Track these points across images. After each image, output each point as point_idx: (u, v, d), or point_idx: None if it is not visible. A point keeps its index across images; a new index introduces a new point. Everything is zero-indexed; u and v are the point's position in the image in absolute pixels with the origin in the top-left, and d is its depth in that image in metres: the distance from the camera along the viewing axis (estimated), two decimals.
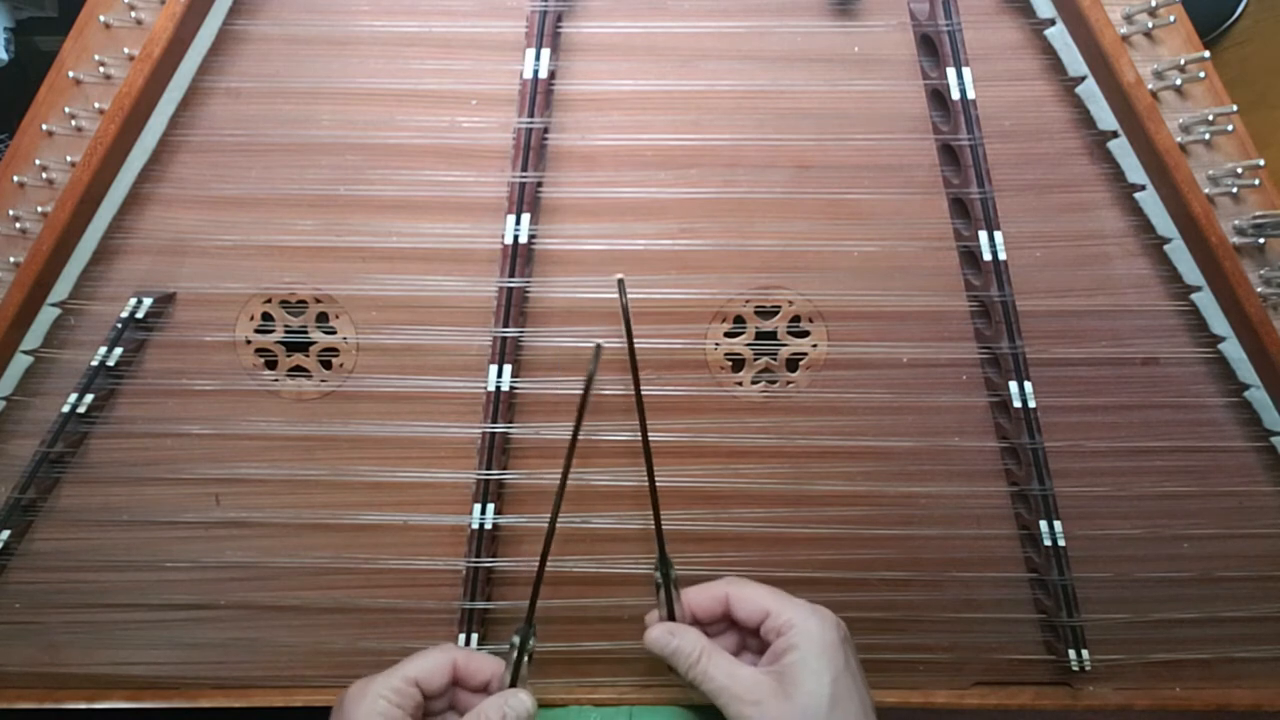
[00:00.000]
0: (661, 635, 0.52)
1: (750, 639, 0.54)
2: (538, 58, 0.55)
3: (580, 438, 0.58)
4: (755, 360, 0.60)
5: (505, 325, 0.58)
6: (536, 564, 0.54)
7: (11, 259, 0.56)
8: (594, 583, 0.61)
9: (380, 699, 0.50)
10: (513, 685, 0.53)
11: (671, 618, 0.54)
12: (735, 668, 0.51)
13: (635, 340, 0.55)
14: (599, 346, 0.52)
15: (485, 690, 0.54)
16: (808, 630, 0.50)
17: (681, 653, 0.51)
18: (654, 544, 0.60)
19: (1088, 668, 0.62)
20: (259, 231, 0.58)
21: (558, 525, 0.54)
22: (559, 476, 0.53)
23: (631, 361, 0.53)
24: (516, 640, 0.53)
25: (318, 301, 0.59)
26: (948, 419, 0.60)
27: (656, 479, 0.55)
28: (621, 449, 0.60)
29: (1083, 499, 0.60)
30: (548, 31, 0.55)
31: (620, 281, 0.51)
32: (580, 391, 0.52)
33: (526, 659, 0.53)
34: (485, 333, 0.59)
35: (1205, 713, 0.64)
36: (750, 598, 0.52)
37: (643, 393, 0.55)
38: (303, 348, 0.59)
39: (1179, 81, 0.55)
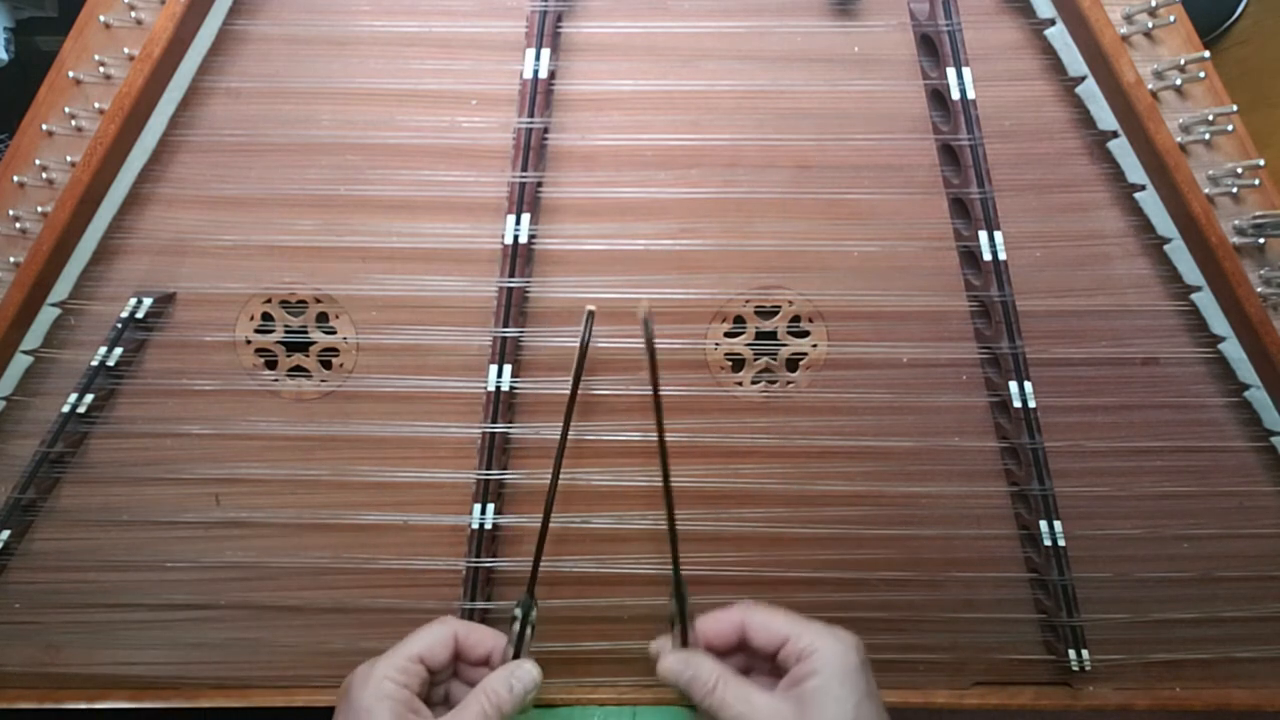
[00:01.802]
0: (676, 664, 0.51)
1: (761, 662, 0.53)
2: (538, 58, 0.55)
3: (580, 439, 0.58)
4: (755, 360, 0.60)
5: (505, 325, 0.58)
6: (540, 530, 0.53)
7: (11, 259, 0.56)
8: (594, 583, 0.61)
9: (386, 680, 0.49)
10: (516, 658, 0.53)
11: (685, 645, 0.53)
12: (752, 695, 0.49)
13: (634, 340, 0.55)
14: (590, 312, 0.51)
15: (486, 663, 0.53)
16: (829, 655, 0.49)
17: (698, 681, 0.50)
18: (657, 543, 0.61)
19: (1088, 668, 0.62)
20: (259, 231, 0.58)
21: (558, 525, 0.54)
22: (560, 431, 0.51)
23: (656, 406, 0.51)
24: (519, 612, 0.53)
25: (318, 301, 0.59)
26: (948, 419, 0.60)
27: (657, 479, 0.54)
28: (622, 449, 0.60)
29: (1083, 499, 0.60)
30: (548, 31, 0.55)
31: (646, 321, 0.49)
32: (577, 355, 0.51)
33: (529, 630, 0.53)
34: (485, 333, 0.59)
35: (1205, 713, 0.64)
36: (766, 623, 0.51)
37: (642, 393, 0.55)
38: (303, 348, 0.59)
39: (1179, 81, 0.55)
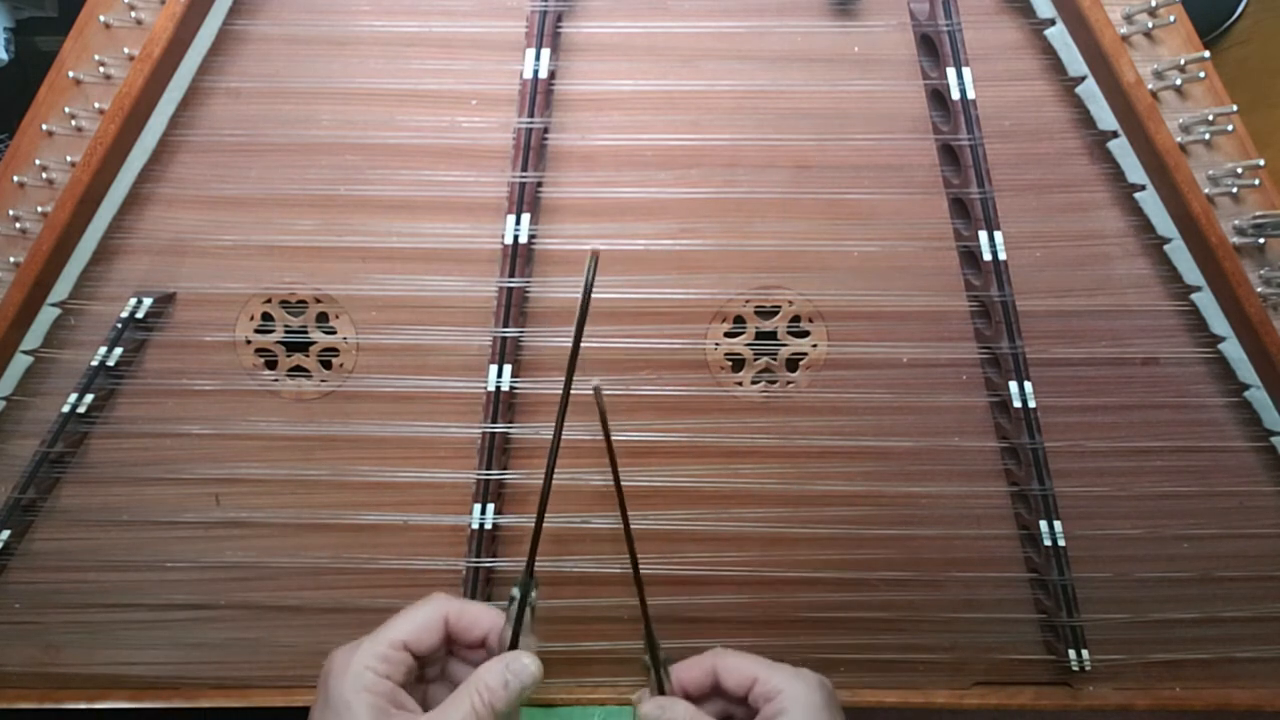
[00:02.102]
0: (653, 710, 0.51)
1: (737, 708, 0.54)
2: (538, 58, 0.55)
3: (580, 439, 0.58)
4: (755, 360, 0.60)
5: (505, 325, 0.58)
6: (539, 502, 0.53)
7: (11, 259, 0.56)
8: (594, 583, 0.61)
9: (366, 670, 0.45)
10: (514, 646, 0.48)
11: (662, 692, 0.54)
12: None
13: (633, 340, 0.55)
14: (595, 253, 0.46)
15: (483, 646, 0.49)
16: (795, 694, 0.50)
17: None
18: (657, 543, 0.60)
19: (1088, 668, 0.62)
20: (259, 231, 0.58)
21: (558, 526, 0.53)
22: (563, 382, 0.48)
23: (612, 463, 0.50)
24: (516, 592, 0.47)
25: (318, 301, 0.59)
26: (948, 419, 0.60)
27: (658, 479, 0.54)
28: (622, 449, 0.59)
29: (1083, 499, 0.60)
30: (548, 31, 0.55)
31: (597, 389, 0.47)
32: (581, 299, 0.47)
33: (529, 612, 0.48)
34: (485, 333, 0.59)
35: (1205, 713, 0.64)
36: (736, 667, 0.52)
37: (643, 393, 0.55)
38: (303, 348, 0.59)
39: (1179, 81, 0.55)
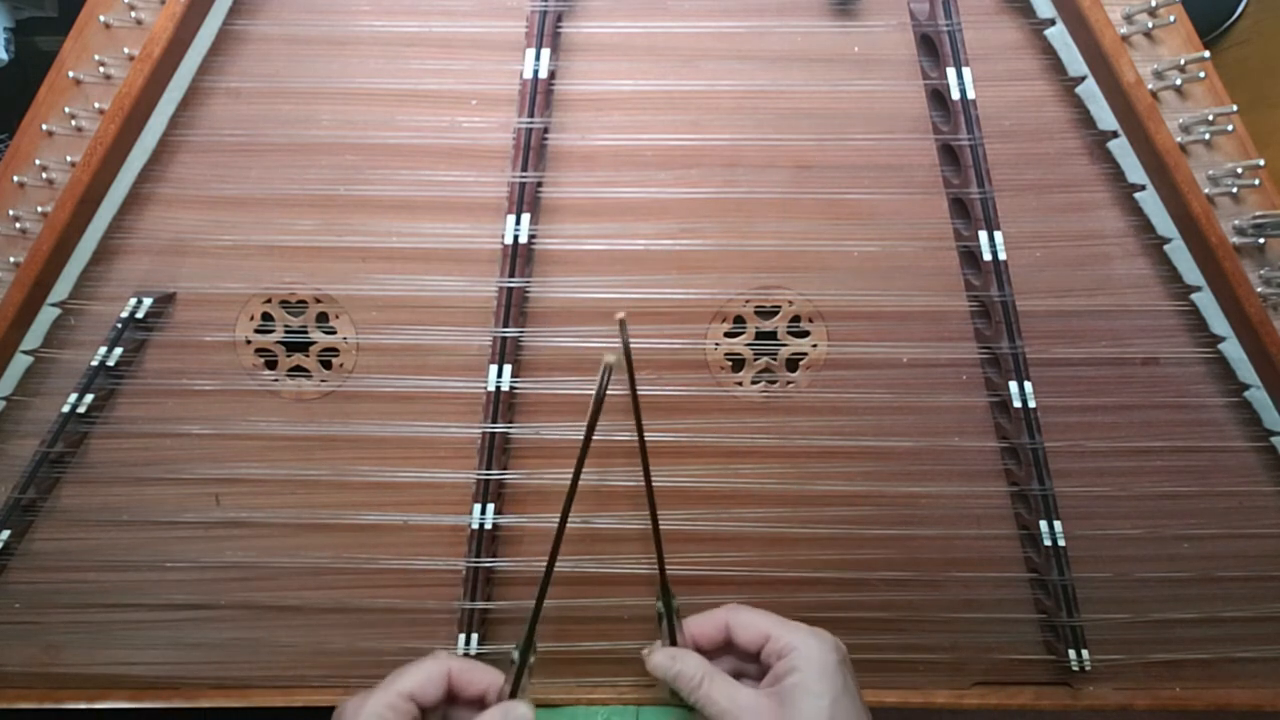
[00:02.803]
0: (664, 660, 0.53)
1: (749, 665, 0.55)
2: (538, 58, 0.55)
3: (579, 440, 0.58)
4: (755, 360, 0.60)
5: (505, 325, 0.58)
6: (537, 564, 0.54)
7: (11, 259, 0.56)
8: (594, 583, 0.61)
9: (376, 717, 0.49)
10: (512, 696, 0.53)
11: (674, 644, 0.54)
12: (736, 691, 0.51)
13: (634, 340, 0.55)
14: (608, 366, 0.47)
15: (481, 702, 0.53)
16: (808, 653, 0.50)
17: (684, 676, 0.52)
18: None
19: (1088, 668, 0.62)
20: (259, 231, 0.58)
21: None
22: (565, 495, 0.50)
23: (634, 401, 0.51)
24: (516, 655, 0.52)
25: (318, 301, 0.59)
26: (948, 419, 0.60)
27: (658, 479, 0.54)
28: (622, 449, 0.60)
29: (1083, 499, 0.60)
30: (548, 31, 0.55)
31: (622, 322, 0.48)
32: (583, 439, 0.49)
33: (527, 673, 0.53)
34: (485, 333, 0.59)
35: (1205, 713, 0.64)
36: (750, 623, 0.53)
37: (643, 393, 0.55)
38: (303, 348, 0.59)
39: (1179, 81, 0.55)
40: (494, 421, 0.59)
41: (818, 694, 0.49)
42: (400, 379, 0.59)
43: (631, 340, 0.58)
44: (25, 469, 0.59)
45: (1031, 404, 0.58)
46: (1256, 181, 0.55)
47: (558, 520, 0.51)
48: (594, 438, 0.59)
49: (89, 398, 0.57)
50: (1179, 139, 0.55)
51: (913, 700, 0.63)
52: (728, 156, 0.58)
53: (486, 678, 0.53)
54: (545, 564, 0.51)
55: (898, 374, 0.60)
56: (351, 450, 0.60)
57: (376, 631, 0.62)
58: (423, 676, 0.51)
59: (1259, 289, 0.56)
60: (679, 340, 0.59)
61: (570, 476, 0.51)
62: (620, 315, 0.48)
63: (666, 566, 0.54)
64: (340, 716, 0.51)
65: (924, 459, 0.60)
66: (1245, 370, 0.58)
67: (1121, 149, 0.56)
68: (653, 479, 0.52)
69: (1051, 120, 0.57)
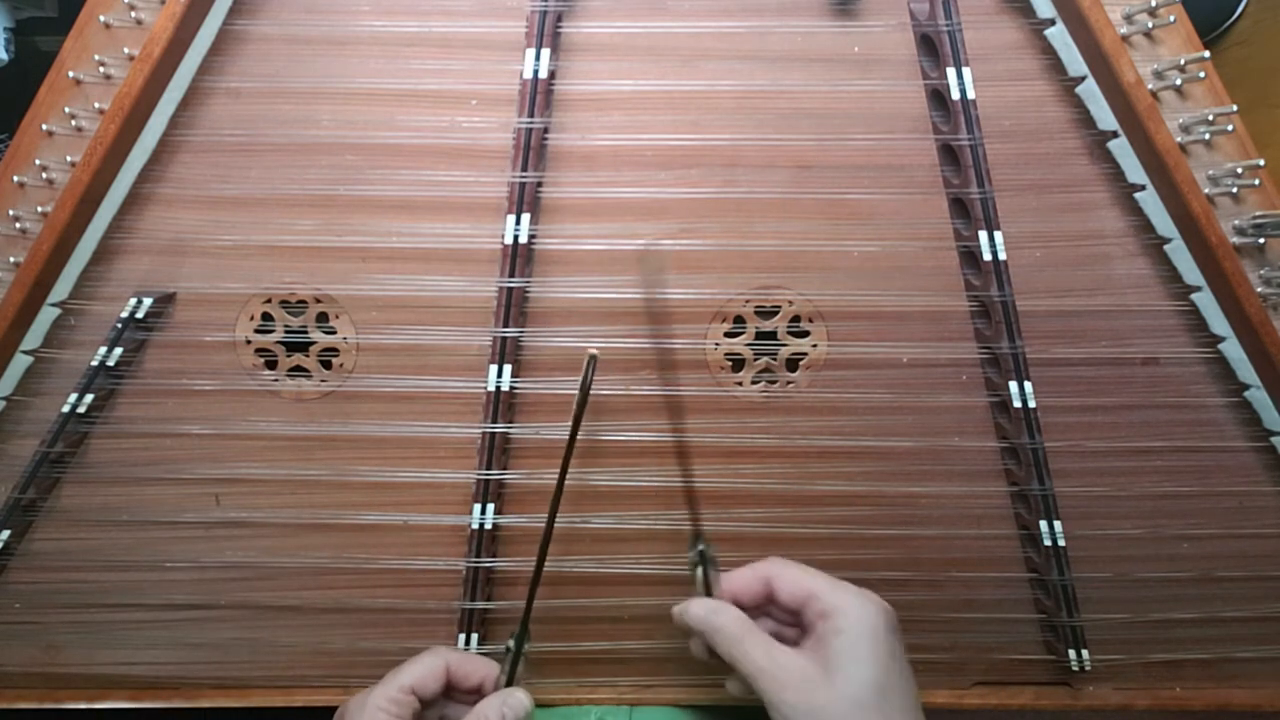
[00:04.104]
0: (703, 612, 0.50)
1: (788, 628, 0.52)
2: (538, 58, 0.55)
3: (580, 440, 0.58)
4: (755, 360, 0.60)
5: (505, 325, 0.58)
6: (535, 565, 0.54)
7: (11, 259, 0.56)
8: (594, 583, 0.61)
9: (380, 711, 0.50)
10: (509, 685, 0.54)
11: (709, 595, 0.52)
12: (775, 649, 0.48)
13: (634, 340, 0.55)
14: (593, 356, 0.51)
15: (478, 693, 0.54)
16: (856, 615, 0.47)
17: (723, 631, 0.49)
18: (657, 543, 0.60)
19: (1088, 668, 0.62)
20: (259, 231, 0.58)
21: (558, 525, 0.53)
22: (553, 493, 0.51)
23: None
24: (511, 644, 0.54)
25: (318, 301, 0.59)
26: (948, 419, 0.60)
27: (658, 479, 0.54)
28: (622, 449, 0.60)
29: (1083, 499, 0.60)
30: (548, 31, 0.55)
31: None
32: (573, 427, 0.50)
33: (522, 662, 0.54)
34: (485, 333, 0.59)
35: (1205, 713, 0.64)
36: (795, 578, 0.50)
37: (643, 393, 0.55)
38: (303, 348, 0.59)
39: (1179, 81, 0.55)
40: (494, 421, 0.59)
41: (865, 659, 0.46)
42: (400, 379, 0.59)
43: (632, 341, 0.58)
44: (25, 469, 0.59)
45: (1031, 404, 0.58)
46: (1256, 181, 0.55)
47: (548, 517, 0.51)
48: (592, 439, 0.59)
49: (89, 398, 0.57)
50: (1179, 139, 0.55)
51: None
52: (728, 156, 0.58)
53: (483, 669, 0.54)
54: (537, 553, 0.51)
55: (898, 374, 0.60)
56: (351, 450, 0.60)
57: (376, 631, 0.62)
58: (423, 670, 0.52)
59: (1259, 289, 0.56)
60: (679, 340, 0.59)
61: (570, 475, 0.51)
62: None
63: (701, 522, 0.52)
64: (344, 712, 0.52)
65: (924, 459, 0.60)
66: (1245, 370, 0.58)
67: (1121, 149, 0.56)
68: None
69: (1051, 120, 0.57)
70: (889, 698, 0.45)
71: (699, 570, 0.52)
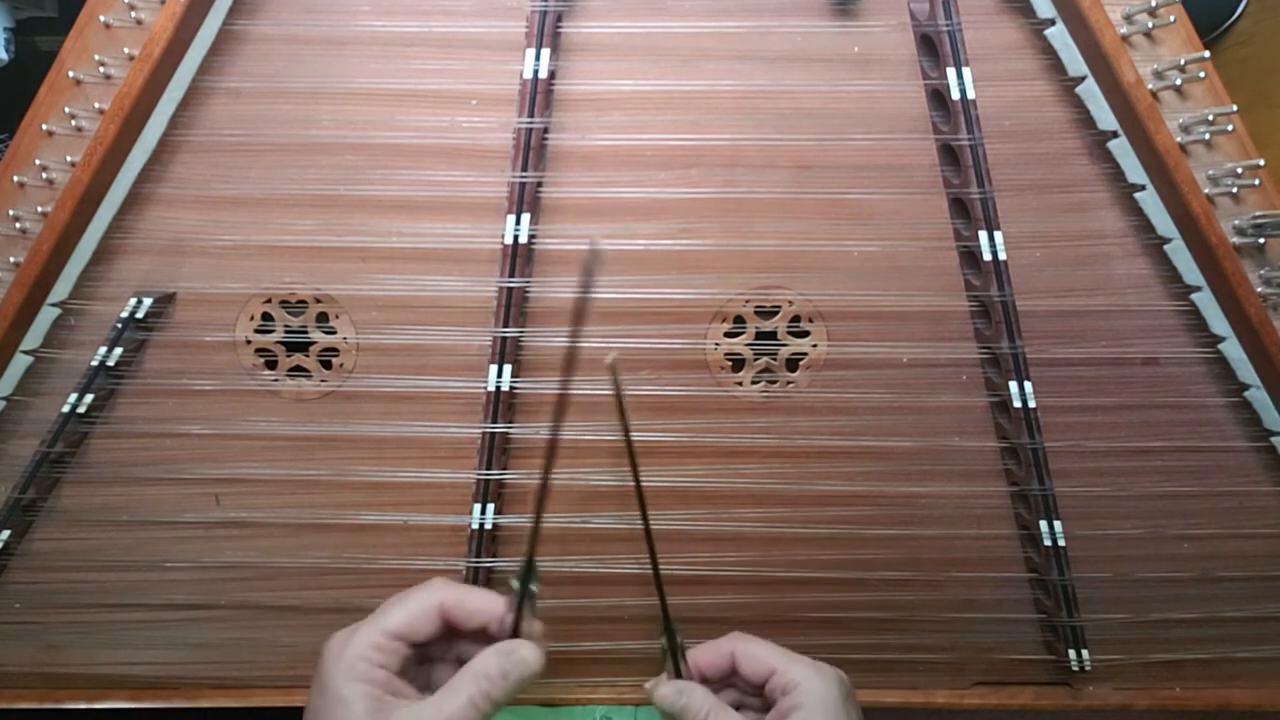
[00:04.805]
0: (670, 693, 0.51)
1: (752, 698, 0.54)
2: (538, 58, 0.55)
3: (580, 439, 0.58)
4: (755, 360, 0.60)
5: (505, 325, 0.58)
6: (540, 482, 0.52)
7: (11, 259, 0.56)
8: (594, 583, 0.61)
9: (360, 661, 0.45)
10: (514, 635, 0.47)
11: (679, 676, 0.54)
12: None
13: (634, 340, 0.55)
14: (613, 364, 0.45)
15: (485, 635, 0.48)
16: (812, 689, 0.50)
17: (690, 710, 0.51)
18: (657, 543, 0.60)
19: (1088, 668, 0.62)
20: (259, 231, 0.58)
21: (559, 526, 0.53)
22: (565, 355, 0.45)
23: (630, 454, 0.48)
24: (516, 584, 0.47)
25: (318, 301, 0.59)
26: (948, 419, 0.60)
27: (658, 479, 0.54)
28: (622, 449, 0.60)
29: (1083, 499, 0.60)
30: (548, 31, 0.55)
31: (613, 366, 0.44)
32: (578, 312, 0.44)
33: (529, 604, 0.47)
34: (485, 333, 0.59)
35: (1205, 713, 0.64)
36: (756, 655, 0.52)
37: (643, 393, 0.55)
38: (303, 348, 0.59)
39: (1179, 81, 0.55)
40: (494, 421, 0.59)
41: None
42: (400, 379, 0.59)
43: (632, 341, 0.58)
44: (25, 469, 0.59)
45: (1031, 404, 0.58)
46: (1256, 181, 0.55)
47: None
48: (592, 438, 0.59)
49: (89, 398, 0.57)
50: (1179, 139, 0.55)
51: (913, 700, 0.63)
52: (728, 156, 0.58)
53: (485, 607, 0.47)
54: (542, 467, 0.47)
55: (898, 374, 0.60)
56: (351, 450, 0.60)
57: None
58: (411, 613, 0.47)
59: (1259, 289, 0.56)
60: (679, 340, 0.59)
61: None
62: (610, 358, 0.45)
63: (668, 605, 0.52)
64: (325, 654, 0.46)
65: (924, 459, 0.60)
66: (1245, 370, 0.58)
67: (1121, 149, 0.56)
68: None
69: (1051, 120, 0.57)
70: None
71: (667, 655, 0.53)
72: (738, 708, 0.53)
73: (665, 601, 0.52)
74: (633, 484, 0.48)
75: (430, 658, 0.49)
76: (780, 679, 0.51)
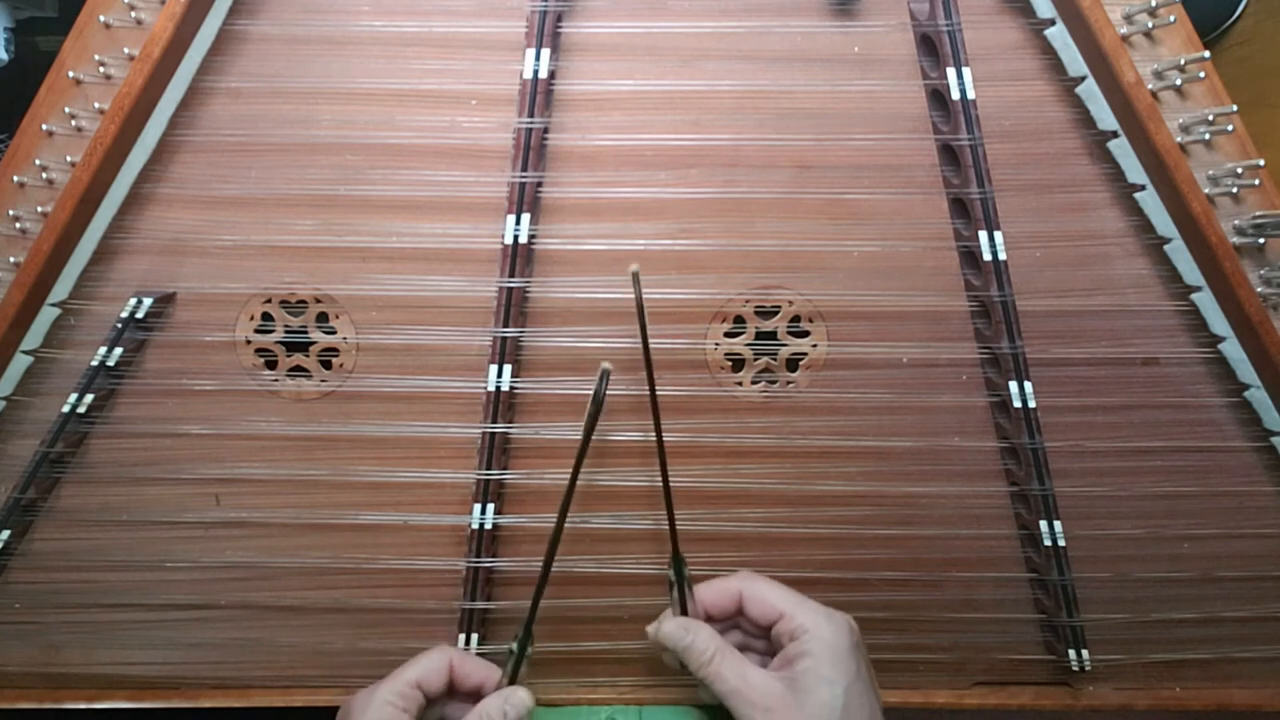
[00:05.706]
0: (676, 630, 0.52)
1: (757, 640, 0.54)
2: (538, 58, 0.55)
3: (579, 439, 0.58)
4: (755, 360, 0.60)
5: (505, 325, 0.58)
6: (536, 564, 0.54)
7: (11, 259, 0.56)
8: (594, 583, 0.61)
9: (386, 704, 0.50)
10: (511, 684, 0.54)
11: (684, 614, 0.54)
12: (747, 670, 0.50)
13: (634, 340, 0.55)
14: (606, 371, 0.49)
15: (476, 694, 0.54)
16: (821, 636, 0.49)
17: (695, 650, 0.51)
18: (657, 543, 0.61)
19: (1088, 668, 0.62)
20: (259, 231, 0.58)
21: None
22: (563, 498, 0.51)
23: (645, 354, 0.51)
24: (514, 647, 0.54)
25: (318, 301, 0.59)
26: (948, 419, 0.60)
27: (657, 479, 0.54)
28: (623, 449, 0.60)
29: (1083, 499, 0.60)
30: (548, 31, 0.55)
31: (635, 274, 0.49)
32: (582, 440, 0.50)
33: (525, 664, 0.54)
34: (485, 333, 0.59)
35: (1205, 713, 0.64)
36: (764, 597, 0.52)
37: (641, 394, 0.55)
38: (303, 348, 0.59)
39: (1179, 81, 0.55)
40: (494, 421, 0.59)
41: (830, 680, 0.48)
42: (400, 379, 0.59)
43: (632, 341, 0.58)
44: (25, 469, 0.59)
45: (1031, 404, 0.58)
46: (1256, 181, 0.55)
47: (557, 519, 0.51)
48: (593, 438, 0.59)
49: (89, 398, 0.57)
50: (1179, 139, 0.55)
51: (913, 700, 0.63)
52: (728, 156, 0.58)
53: (483, 672, 0.54)
54: (544, 556, 0.51)
55: (898, 374, 0.60)
56: (351, 450, 0.60)
57: (376, 631, 0.62)
58: (428, 666, 0.53)
59: (1259, 289, 0.56)
60: (679, 340, 0.59)
61: (567, 476, 0.51)
62: (634, 268, 0.49)
63: (678, 526, 0.52)
64: (350, 707, 0.52)
65: (924, 459, 0.60)
66: (1245, 370, 0.58)
67: (1121, 149, 0.56)
68: (653, 479, 0.53)
69: (1051, 120, 0.57)
70: (853, 716, 0.48)
71: (674, 589, 0.53)
72: (742, 650, 0.53)
73: (675, 531, 0.51)
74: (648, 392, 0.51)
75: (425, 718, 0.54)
76: (788, 624, 0.50)
